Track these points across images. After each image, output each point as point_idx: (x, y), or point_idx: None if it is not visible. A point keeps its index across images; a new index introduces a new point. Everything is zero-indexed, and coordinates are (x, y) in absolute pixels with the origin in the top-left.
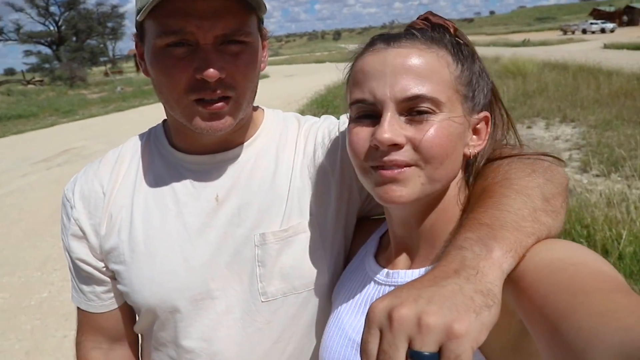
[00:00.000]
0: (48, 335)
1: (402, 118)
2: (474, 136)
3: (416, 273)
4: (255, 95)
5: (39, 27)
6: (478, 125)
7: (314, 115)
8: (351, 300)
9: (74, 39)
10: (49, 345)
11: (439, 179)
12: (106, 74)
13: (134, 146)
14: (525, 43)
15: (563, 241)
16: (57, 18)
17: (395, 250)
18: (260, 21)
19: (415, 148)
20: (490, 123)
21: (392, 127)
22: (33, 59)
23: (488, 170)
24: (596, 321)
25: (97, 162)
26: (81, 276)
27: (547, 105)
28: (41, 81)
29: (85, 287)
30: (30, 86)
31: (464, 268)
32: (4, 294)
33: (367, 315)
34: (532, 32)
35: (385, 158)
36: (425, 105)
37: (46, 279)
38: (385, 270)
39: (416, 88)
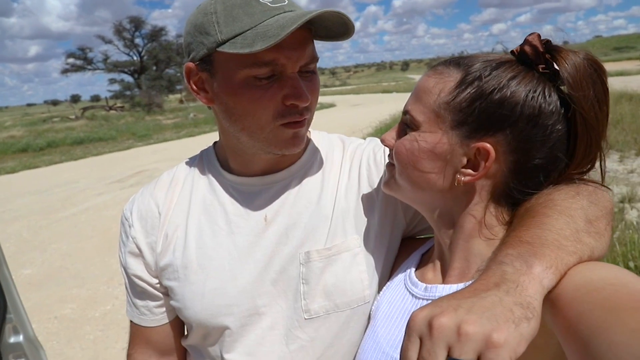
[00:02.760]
0: (108, 346)
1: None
2: (471, 165)
3: (454, 288)
4: None
5: (124, 58)
6: (477, 156)
7: None
8: (388, 314)
9: (154, 68)
10: (109, 355)
11: (403, 182)
12: (181, 101)
13: (187, 168)
14: None
15: (605, 264)
16: (140, 49)
17: (436, 264)
18: None
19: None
20: (491, 158)
21: (390, 131)
22: (116, 87)
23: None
24: (629, 337)
25: (154, 183)
26: (136, 291)
27: (622, 138)
28: (122, 107)
29: (139, 302)
30: (112, 112)
31: (504, 282)
32: (73, 305)
33: (407, 324)
34: (610, 62)
35: None
36: (408, 121)
37: (111, 292)
38: (424, 284)
39: (408, 104)
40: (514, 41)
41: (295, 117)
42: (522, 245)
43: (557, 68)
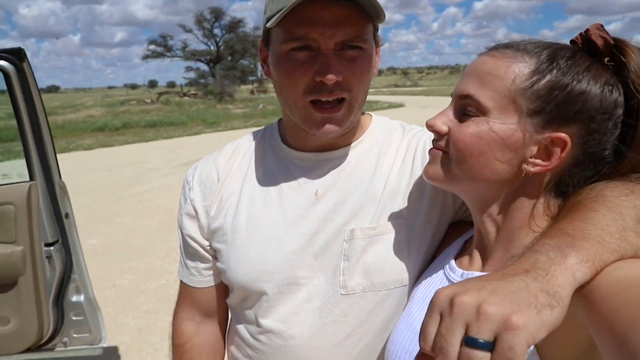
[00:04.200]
0: (159, 318)
1: (455, 114)
2: (541, 155)
3: None
4: (365, 99)
5: (202, 47)
6: (551, 146)
7: None
8: (424, 297)
9: (230, 58)
10: (159, 326)
11: (460, 173)
12: (252, 92)
13: (251, 140)
14: None
15: None
16: (218, 39)
17: (474, 253)
18: (376, 29)
19: (448, 140)
20: (567, 149)
21: (440, 116)
22: (192, 74)
23: (585, 189)
24: None
25: (217, 152)
26: (188, 252)
27: None
28: (195, 94)
29: (190, 262)
30: (185, 98)
31: (534, 269)
32: (130, 276)
33: (431, 300)
34: None
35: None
36: (470, 107)
37: (167, 268)
38: (461, 271)
39: (470, 89)
40: None
41: (323, 94)
42: (561, 236)
43: (624, 60)
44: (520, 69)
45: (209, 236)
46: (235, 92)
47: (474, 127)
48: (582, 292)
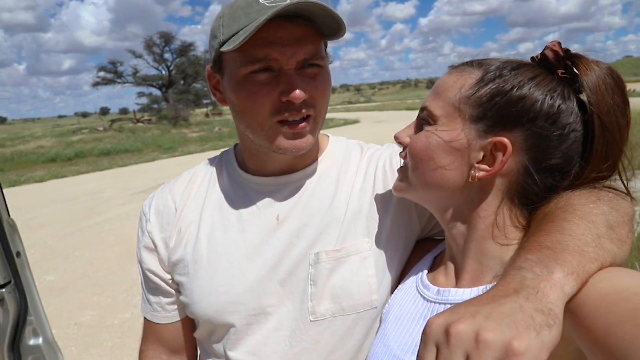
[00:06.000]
0: (125, 354)
1: (417, 127)
2: (487, 160)
3: (467, 292)
4: (325, 116)
5: (153, 72)
6: (495, 151)
7: None
8: (399, 317)
9: (182, 82)
10: None
11: (415, 180)
12: (207, 115)
13: (207, 167)
14: (631, 94)
15: (626, 270)
16: (169, 63)
17: (448, 268)
18: (325, 45)
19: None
20: (508, 153)
21: (405, 129)
22: (144, 100)
23: (552, 198)
24: None
25: (173, 181)
26: (149, 287)
27: None
28: (149, 120)
29: (152, 298)
30: (139, 124)
31: (523, 287)
32: (92, 312)
33: (423, 331)
34: None
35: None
36: (424, 115)
37: (130, 301)
38: (436, 288)
39: (426, 102)
40: None
41: (292, 113)
42: (542, 250)
43: (577, 72)
44: (467, 80)
45: (170, 269)
46: (190, 116)
47: (423, 135)
48: (569, 307)
